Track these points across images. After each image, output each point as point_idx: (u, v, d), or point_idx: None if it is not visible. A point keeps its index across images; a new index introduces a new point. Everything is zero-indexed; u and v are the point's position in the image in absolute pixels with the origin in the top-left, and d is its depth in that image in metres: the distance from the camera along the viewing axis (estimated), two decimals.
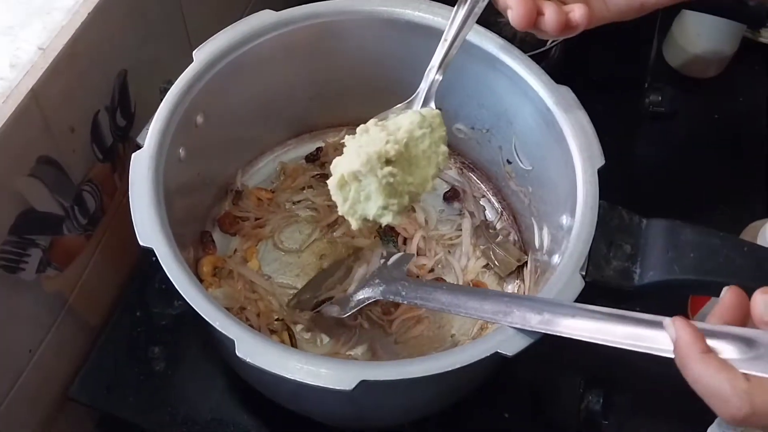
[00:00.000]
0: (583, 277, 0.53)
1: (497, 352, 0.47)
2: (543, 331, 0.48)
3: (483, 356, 0.47)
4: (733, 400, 0.38)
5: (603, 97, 0.69)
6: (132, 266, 0.76)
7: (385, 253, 0.67)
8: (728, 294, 0.42)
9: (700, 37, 0.91)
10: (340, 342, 0.66)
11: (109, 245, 0.71)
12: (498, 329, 0.49)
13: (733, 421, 0.38)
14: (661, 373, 0.71)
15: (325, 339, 0.67)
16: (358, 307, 0.62)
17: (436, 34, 0.64)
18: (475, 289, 0.65)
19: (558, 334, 0.47)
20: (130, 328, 0.72)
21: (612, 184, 0.57)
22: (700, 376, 0.39)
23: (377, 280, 0.62)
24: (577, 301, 0.51)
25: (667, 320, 0.43)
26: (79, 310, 0.70)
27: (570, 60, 0.86)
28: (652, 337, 0.44)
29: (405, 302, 0.59)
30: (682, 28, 0.93)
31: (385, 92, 0.73)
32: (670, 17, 0.95)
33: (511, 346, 0.48)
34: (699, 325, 0.42)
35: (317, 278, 0.70)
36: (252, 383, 0.63)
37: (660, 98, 0.91)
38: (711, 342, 0.40)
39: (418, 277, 0.70)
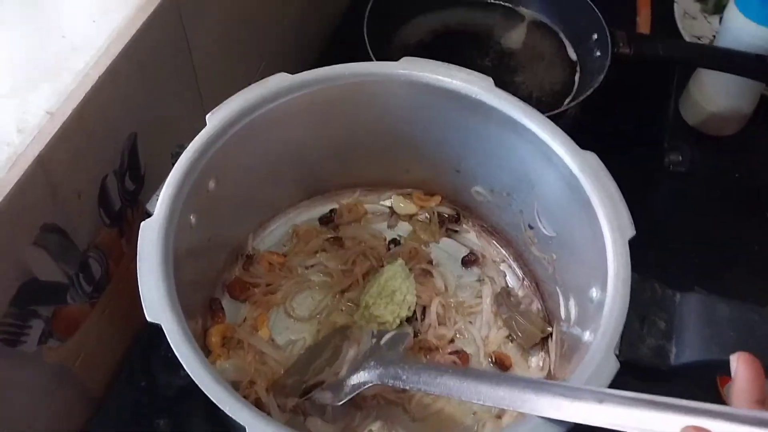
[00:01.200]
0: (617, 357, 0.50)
1: None
2: (566, 420, 0.44)
3: None
4: None
5: (621, 157, 0.68)
6: (137, 332, 0.73)
7: (375, 332, 0.62)
8: (741, 366, 0.42)
9: (718, 95, 0.90)
10: (354, 422, 0.62)
11: (114, 312, 0.69)
12: (524, 418, 0.46)
13: None
14: None
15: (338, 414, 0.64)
16: (354, 393, 0.58)
17: (453, 96, 0.63)
18: (485, 372, 0.60)
19: (584, 423, 0.44)
20: (133, 399, 0.69)
21: (633, 248, 0.55)
22: None
23: (372, 362, 0.57)
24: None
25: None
26: (81, 380, 0.67)
27: (587, 119, 0.84)
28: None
29: (407, 387, 0.55)
30: (699, 86, 0.92)
31: (400, 153, 0.72)
32: (687, 75, 0.94)
33: None
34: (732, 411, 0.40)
35: (302, 360, 0.65)
36: None
37: (680, 157, 0.89)
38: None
39: (437, 349, 0.67)
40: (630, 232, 0.55)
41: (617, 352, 0.50)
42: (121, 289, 0.69)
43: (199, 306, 0.66)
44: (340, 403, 0.58)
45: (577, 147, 0.59)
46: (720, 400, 0.71)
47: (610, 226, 0.55)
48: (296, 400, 0.62)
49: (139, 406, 0.69)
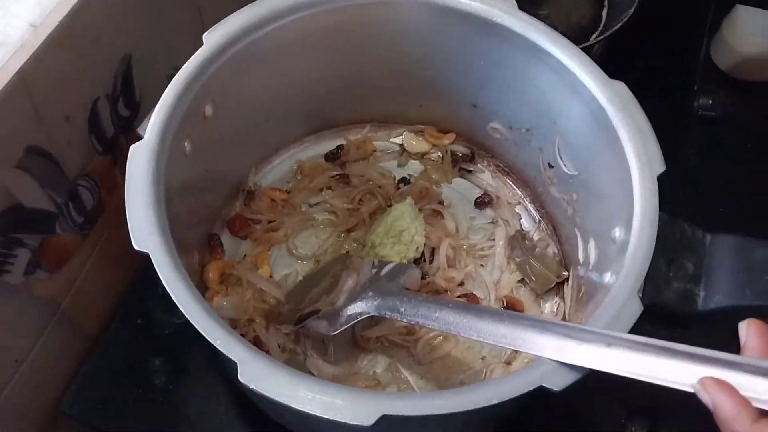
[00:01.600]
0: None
1: (542, 387, 0.41)
2: (571, 363, 0.41)
3: (524, 391, 0.40)
4: None
5: (648, 99, 0.64)
6: (133, 270, 0.70)
7: (376, 262, 0.59)
8: (753, 334, 0.39)
9: (753, 37, 0.85)
10: (357, 363, 0.59)
11: (108, 246, 0.65)
12: (543, 358, 0.42)
13: None
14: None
15: (339, 355, 0.61)
16: (350, 324, 0.55)
17: (472, 20, 0.58)
18: (487, 309, 0.56)
19: (591, 368, 0.41)
20: (128, 338, 0.67)
21: (660, 190, 0.50)
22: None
23: (371, 293, 0.54)
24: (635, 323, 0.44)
25: (697, 385, 0.38)
26: (73, 317, 0.64)
27: (613, 58, 0.79)
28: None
29: (404, 320, 0.52)
30: (733, 28, 0.86)
31: (413, 86, 0.68)
32: (720, 16, 0.88)
33: (559, 379, 0.41)
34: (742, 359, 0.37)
35: (299, 288, 0.62)
36: (259, 404, 0.56)
37: (710, 102, 0.84)
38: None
39: (446, 291, 0.64)
40: (660, 167, 0.50)
41: (641, 295, 0.46)
42: (115, 222, 0.65)
43: (197, 241, 0.63)
44: (335, 333, 0.55)
45: (606, 76, 0.54)
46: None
47: (639, 160, 0.51)
48: (290, 328, 0.59)
49: (135, 345, 0.66)
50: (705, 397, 0.37)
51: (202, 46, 0.54)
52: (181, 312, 0.63)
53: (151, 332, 0.67)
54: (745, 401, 0.35)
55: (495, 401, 0.39)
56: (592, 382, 0.62)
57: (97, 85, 0.58)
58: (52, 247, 0.57)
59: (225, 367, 0.55)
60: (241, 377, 0.39)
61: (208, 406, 0.63)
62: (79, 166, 0.58)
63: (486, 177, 0.72)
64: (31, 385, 0.60)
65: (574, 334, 0.42)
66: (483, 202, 0.70)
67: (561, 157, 0.62)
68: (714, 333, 0.47)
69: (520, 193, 0.71)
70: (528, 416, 0.61)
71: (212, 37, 0.54)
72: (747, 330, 0.39)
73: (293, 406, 0.38)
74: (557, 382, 0.40)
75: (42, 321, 0.60)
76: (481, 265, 0.67)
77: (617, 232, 0.52)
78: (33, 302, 0.58)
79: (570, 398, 0.62)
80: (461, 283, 0.65)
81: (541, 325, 0.44)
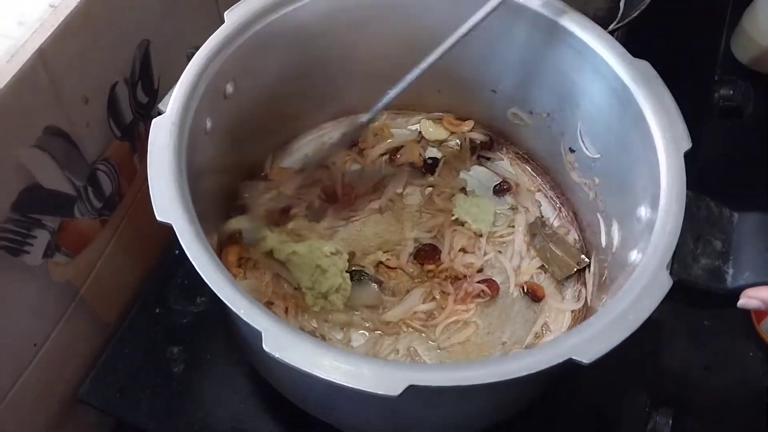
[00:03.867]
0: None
1: (571, 359, 0.40)
2: None
3: (554, 363, 0.39)
4: None
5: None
6: (153, 259, 0.70)
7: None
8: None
9: None
10: (376, 347, 0.59)
11: (127, 234, 0.65)
12: (571, 331, 0.41)
13: None
14: (734, 393, 0.66)
15: (359, 341, 0.60)
16: None
17: (512, 6, 0.57)
18: None
19: None
20: (147, 326, 0.67)
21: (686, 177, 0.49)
22: None
23: None
24: (662, 304, 0.43)
25: (742, 301, 0.45)
26: (91, 304, 0.63)
27: (631, 48, 0.78)
28: None
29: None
30: (753, 20, 0.86)
31: (437, 73, 0.66)
32: (741, 7, 0.87)
33: (588, 351, 0.40)
34: None
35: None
36: (278, 388, 0.56)
37: (731, 92, 0.82)
38: None
39: (465, 277, 0.63)
40: (686, 143, 0.49)
41: (669, 271, 0.45)
42: (134, 212, 0.65)
43: (216, 223, 0.62)
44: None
45: (630, 55, 0.54)
46: (756, 336, 0.67)
47: (664, 137, 0.50)
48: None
49: (153, 334, 0.66)
50: (753, 303, 0.44)
51: (223, 24, 0.53)
52: (203, 298, 0.64)
53: (169, 321, 0.66)
54: None
55: (524, 372, 0.38)
56: (618, 371, 0.62)
57: (115, 68, 0.58)
58: (71, 230, 0.57)
59: (246, 347, 0.54)
60: (266, 346, 0.38)
61: (227, 395, 0.63)
62: (97, 150, 0.58)
63: (505, 164, 0.71)
64: (49, 371, 0.60)
65: None
66: (502, 189, 0.69)
67: (583, 141, 0.61)
68: (743, 312, 0.47)
69: (539, 180, 0.70)
70: (552, 410, 0.61)
71: (233, 15, 0.54)
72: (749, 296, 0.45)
73: (319, 374, 0.37)
74: (587, 355, 0.39)
75: (61, 306, 0.60)
76: (500, 251, 0.66)
77: (643, 211, 0.51)
78: (52, 286, 0.57)
79: (595, 385, 0.63)
80: (480, 269, 0.64)
81: None
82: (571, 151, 0.63)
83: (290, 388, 0.54)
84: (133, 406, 0.62)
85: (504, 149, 0.72)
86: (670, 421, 0.61)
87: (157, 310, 0.67)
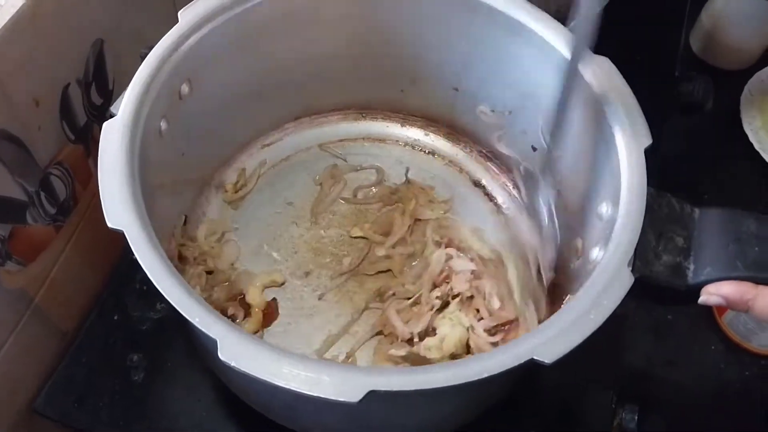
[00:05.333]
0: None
1: (533, 359, 0.39)
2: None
3: (516, 364, 0.39)
4: None
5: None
6: (110, 265, 0.68)
7: None
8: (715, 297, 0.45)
9: (732, 25, 0.85)
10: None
11: (83, 239, 0.63)
12: (533, 332, 0.41)
13: None
14: (697, 386, 0.67)
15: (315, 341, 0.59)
16: None
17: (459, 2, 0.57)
18: None
19: None
20: (106, 334, 0.65)
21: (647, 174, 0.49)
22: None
23: None
24: (626, 299, 0.43)
25: (703, 297, 0.45)
26: (47, 312, 0.62)
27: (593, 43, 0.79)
28: None
29: None
30: (711, 15, 0.86)
31: (394, 69, 0.66)
32: (700, 2, 0.88)
33: (550, 351, 0.39)
34: None
35: None
36: (241, 396, 0.55)
37: (692, 87, 0.83)
38: None
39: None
40: (646, 140, 0.49)
41: (631, 268, 0.45)
42: (90, 217, 0.64)
43: (174, 228, 0.61)
44: None
45: (590, 51, 0.53)
46: (718, 330, 0.68)
47: (624, 134, 0.50)
48: None
49: (112, 341, 0.64)
50: (714, 299, 0.44)
51: (178, 23, 0.52)
52: (163, 304, 0.62)
53: (128, 328, 0.65)
54: (740, 281, 0.43)
55: (486, 374, 0.37)
56: (583, 368, 0.62)
57: (68, 69, 0.56)
58: (23, 237, 0.55)
59: (205, 355, 0.53)
60: (222, 355, 0.37)
61: (188, 402, 0.61)
62: (50, 154, 0.56)
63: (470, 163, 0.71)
64: (4, 383, 0.58)
65: None
66: None
67: (545, 139, 0.61)
68: (705, 306, 0.47)
69: (503, 178, 0.69)
70: (519, 408, 0.61)
71: (188, 14, 0.53)
72: (710, 293, 0.45)
73: (277, 383, 0.36)
74: (548, 355, 0.39)
75: (14, 315, 0.58)
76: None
77: (604, 209, 0.51)
78: (4, 294, 0.56)
79: (562, 382, 0.63)
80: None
81: None
82: (533, 149, 0.63)
83: (252, 397, 0.53)
84: (92, 416, 0.61)
85: (468, 148, 0.71)
86: (636, 417, 0.61)
87: (116, 317, 0.65)
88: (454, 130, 0.71)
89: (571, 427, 0.62)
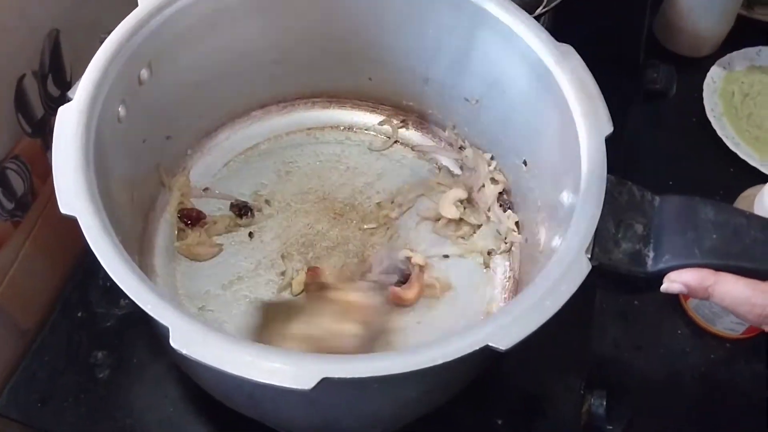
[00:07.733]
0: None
1: (488, 346, 0.39)
2: None
3: (471, 350, 0.39)
4: (758, 300, 0.43)
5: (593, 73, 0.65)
6: (72, 260, 0.67)
7: None
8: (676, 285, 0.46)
9: (694, 13, 0.85)
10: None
11: (43, 234, 0.62)
12: (490, 318, 0.41)
13: (761, 320, 0.44)
14: (664, 370, 0.67)
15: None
16: None
17: None
18: None
19: None
20: (69, 331, 0.64)
21: (610, 162, 0.50)
22: (727, 291, 0.44)
23: None
24: (580, 288, 0.43)
25: (665, 285, 0.46)
26: (7, 309, 0.61)
27: (558, 32, 0.79)
28: None
29: None
30: (674, 4, 0.87)
31: (361, 55, 0.66)
32: None
33: (505, 337, 0.39)
34: None
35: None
36: (204, 387, 0.54)
37: (655, 75, 0.84)
38: None
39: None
40: (607, 128, 0.50)
41: (589, 255, 0.45)
42: (50, 211, 0.63)
43: (133, 222, 0.60)
44: None
45: (554, 40, 0.54)
46: (684, 314, 0.68)
47: (586, 122, 0.50)
48: None
49: (75, 339, 0.63)
50: (675, 286, 0.45)
51: (137, 7, 0.52)
52: (127, 300, 0.61)
53: (92, 325, 0.64)
54: (701, 268, 0.44)
55: (440, 361, 0.37)
56: (550, 356, 0.62)
57: (22, 60, 0.55)
58: None
59: (166, 346, 0.52)
60: (174, 343, 0.37)
61: (156, 399, 0.61)
62: (6, 148, 0.55)
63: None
64: None
65: None
66: None
67: (510, 128, 0.61)
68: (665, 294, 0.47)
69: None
70: (486, 395, 0.61)
71: None
72: (672, 281, 0.46)
73: (229, 371, 0.36)
74: (503, 341, 0.39)
75: None
76: None
77: (565, 197, 0.51)
78: None
79: (529, 369, 0.63)
80: None
81: None
82: (500, 139, 0.63)
83: (213, 387, 0.52)
84: (56, 416, 0.60)
85: (437, 137, 0.71)
86: (605, 402, 0.61)
87: (79, 314, 0.64)
88: (423, 119, 0.71)
89: (540, 414, 0.63)
